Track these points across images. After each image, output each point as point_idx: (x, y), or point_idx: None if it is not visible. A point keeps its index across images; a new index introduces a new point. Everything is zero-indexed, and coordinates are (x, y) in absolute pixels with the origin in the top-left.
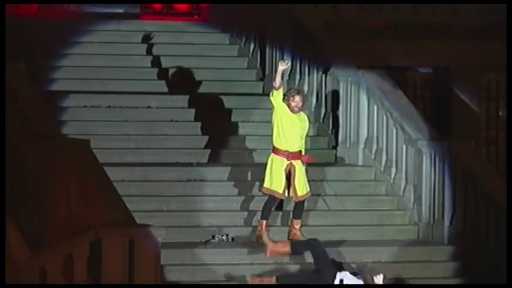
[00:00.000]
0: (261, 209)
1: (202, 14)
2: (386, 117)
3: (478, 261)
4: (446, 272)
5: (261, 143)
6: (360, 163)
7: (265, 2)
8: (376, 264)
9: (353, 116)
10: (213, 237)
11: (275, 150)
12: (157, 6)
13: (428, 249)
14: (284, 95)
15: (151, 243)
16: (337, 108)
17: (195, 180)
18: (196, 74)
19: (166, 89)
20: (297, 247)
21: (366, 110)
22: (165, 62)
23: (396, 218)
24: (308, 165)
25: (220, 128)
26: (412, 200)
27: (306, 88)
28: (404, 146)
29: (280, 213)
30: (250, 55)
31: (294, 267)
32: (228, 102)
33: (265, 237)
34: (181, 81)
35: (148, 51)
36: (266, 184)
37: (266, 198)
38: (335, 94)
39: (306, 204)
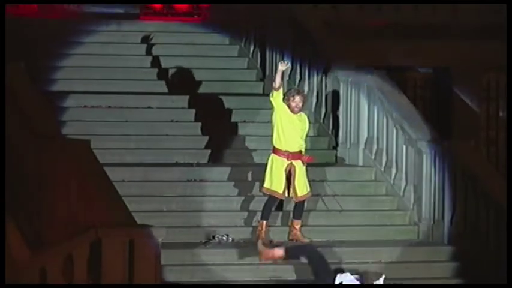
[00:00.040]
0: (261, 209)
1: (202, 14)
2: (387, 117)
3: (478, 261)
4: (446, 272)
5: (261, 143)
6: (360, 163)
7: (265, 2)
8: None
9: (353, 116)
10: (213, 237)
11: (275, 151)
12: (157, 6)
13: (429, 250)
14: (284, 95)
15: (152, 243)
16: (338, 109)
17: (195, 180)
18: (197, 74)
19: (166, 89)
20: (292, 252)
21: (366, 110)
22: (165, 62)
23: (396, 218)
24: (308, 165)
25: (221, 128)
26: (412, 200)
27: (306, 88)
28: (404, 146)
29: (280, 213)
30: (250, 55)
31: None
32: (228, 102)
33: (259, 245)
34: (181, 82)
35: (148, 52)
36: (266, 184)
37: (266, 198)
38: (335, 94)
39: (306, 204)
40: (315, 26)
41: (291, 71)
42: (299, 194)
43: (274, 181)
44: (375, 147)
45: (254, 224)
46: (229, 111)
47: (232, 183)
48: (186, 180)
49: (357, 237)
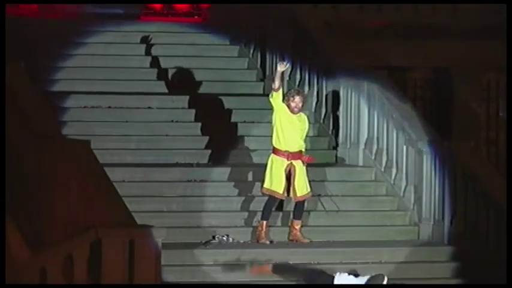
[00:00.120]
0: (261, 209)
1: (203, 14)
2: (387, 117)
3: (478, 261)
4: (446, 272)
5: (261, 144)
6: (360, 163)
7: (265, 2)
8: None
9: (353, 116)
10: (214, 237)
11: (275, 151)
12: (157, 6)
13: (429, 250)
14: (284, 95)
15: (152, 244)
16: (338, 109)
17: (195, 180)
18: (197, 74)
19: (166, 90)
20: (280, 271)
21: (366, 110)
22: (165, 63)
23: (396, 218)
24: (308, 165)
25: (221, 129)
26: (412, 200)
27: (306, 89)
28: (404, 147)
29: (281, 213)
30: (250, 55)
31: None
32: (228, 102)
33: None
34: (181, 82)
35: (149, 52)
36: (266, 184)
37: (266, 198)
38: (335, 94)
39: (306, 204)
40: (315, 26)
41: (291, 71)
42: (298, 194)
43: (274, 181)
44: (375, 147)
45: (254, 224)
46: (230, 111)
47: (233, 183)
48: (186, 181)
49: (357, 237)
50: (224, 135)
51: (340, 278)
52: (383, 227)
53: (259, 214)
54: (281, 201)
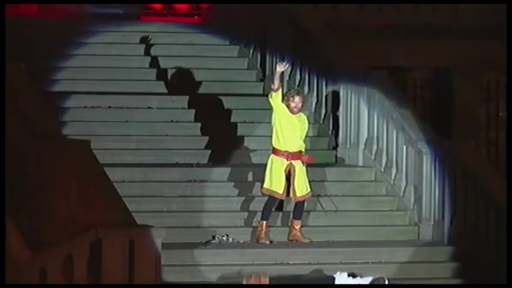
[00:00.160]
0: (261, 209)
1: (203, 14)
2: (387, 118)
3: (478, 261)
4: (446, 272)
5: (261, 144)
6: (360, 164)
7: (265, 2)
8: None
9: (353, 116)
10: (213, 237)
11: (275, 151)
12: (157, 6)
13: (429, 250)
14: (283, 95)
15: (152, 244)
16: (338, 109)
17: (195, 180)
18: (197, 74)
19: (166, 90)
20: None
21: (366, 110)
22: (165, 63)
23: (396, 218)
24: (308, 165)
25: (221, 129)
26: (412, 200)
27: (306, 89)
28: (404, 147)
29: (281, 213)
30: (250, 56)
31: (293, 267)
32: (228, 103)
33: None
34: (181, 82)
35: (149, 52)
36: (266, 185)
37: (266, 198)
38: (335, 95)
39: (306, 204)
40: (315, 26)
41: (290, 71)
42: (298, 194)
43: (274, 181)
44: (375, 147)
45: (254, 224)
46: (229, 111)
47: (232, 183)
48: (186, 181)
49: (357, 237)
50: (224, 135)
51: (341, 278)
52: (383, 227)
53: (259, 214)
54: (281, 202)
